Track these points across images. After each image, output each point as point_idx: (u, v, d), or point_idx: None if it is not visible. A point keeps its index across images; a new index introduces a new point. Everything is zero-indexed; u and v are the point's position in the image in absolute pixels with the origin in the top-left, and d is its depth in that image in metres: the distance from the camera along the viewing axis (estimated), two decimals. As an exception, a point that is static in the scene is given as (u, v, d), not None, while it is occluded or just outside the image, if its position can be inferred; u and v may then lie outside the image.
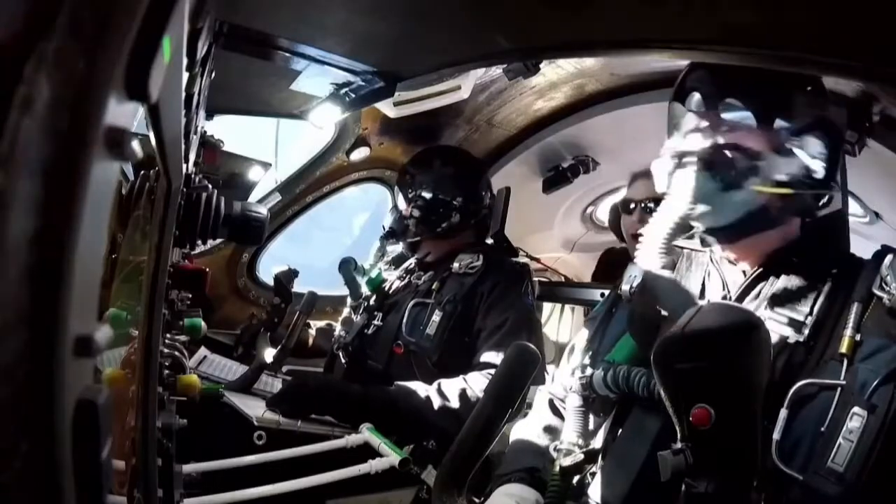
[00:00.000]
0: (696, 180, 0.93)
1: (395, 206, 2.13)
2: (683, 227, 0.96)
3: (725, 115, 0.99)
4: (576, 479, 1.03)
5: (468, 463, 1.00)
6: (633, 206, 2.13)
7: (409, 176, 2.11)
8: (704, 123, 0.98)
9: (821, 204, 1.01)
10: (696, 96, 1.02)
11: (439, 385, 1.68)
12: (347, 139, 2.30)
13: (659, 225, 0.96)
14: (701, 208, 0.94)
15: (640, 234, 1.85)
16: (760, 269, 1.02)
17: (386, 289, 2.14)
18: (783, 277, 0.98)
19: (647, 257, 0.97)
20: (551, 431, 1.21)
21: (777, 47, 0.77)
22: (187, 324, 1.09)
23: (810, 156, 0.97)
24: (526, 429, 1.27)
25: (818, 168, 0.97)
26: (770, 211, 0.98)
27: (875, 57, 0.69)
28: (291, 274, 2.15)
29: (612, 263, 2.67)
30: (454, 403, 1.63)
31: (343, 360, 2.07)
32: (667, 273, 0.98)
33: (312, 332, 2.29)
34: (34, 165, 0.21)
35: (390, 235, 2.13)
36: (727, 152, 0.94)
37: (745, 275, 1.04)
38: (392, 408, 1.64)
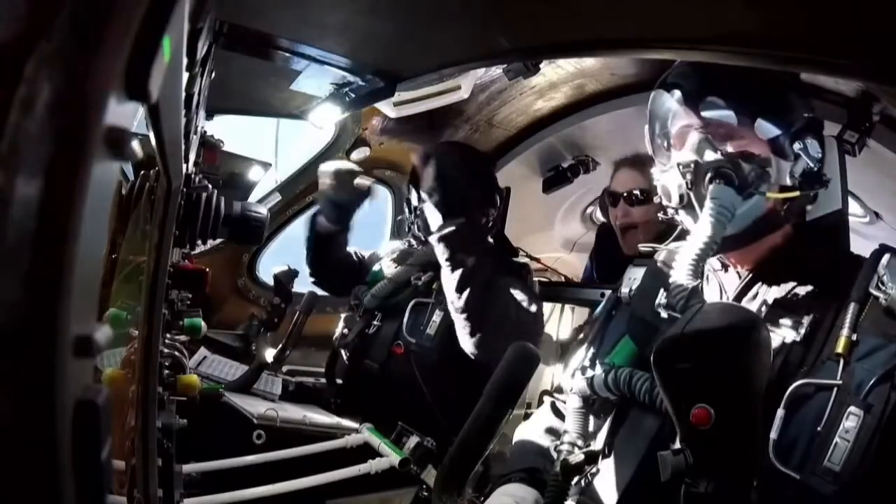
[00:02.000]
0: (719, 195, 0.92)
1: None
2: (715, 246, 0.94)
3: (713, 114, 0.99)
4: (576, 479, 1.03)
5: (468, 463, 1.00)
6: (616, 197, 2.14)
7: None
8: (697, 132, 0.98)
9: (814, 203, 1.02)
10: (708, 98, 1.01)
11: None
12: (347, 139, 2.30)
13: (692, 245, 0.94)
14: (731, 227, 0.94)
15: (630, 226, 1.87)
16: (757, 270, 1.02)
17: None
18: (780, 278, 0.98)
19: (680, 278, 0.95)
20: (553, 433, 1.22)
21: (777, 47, 0.77)
22: (187, 324, 1.09)
23: (810, 157, 0.98)
24: (528, 430, 1.27)
25: (817, 169, 0.98)
26: (775, 216, 0.98)
27: (875, 57, 0.69)
28: (291, 274, 2.15)
29: (608, 233, 2.64)
30: None
31: (345, 359, 2.07)
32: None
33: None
34: (34, 165, 0.21)
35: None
36: (743, 163, 0.94)
37: (740, 277, 1.04)
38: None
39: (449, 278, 1.74)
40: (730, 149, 0.97)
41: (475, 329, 1.74)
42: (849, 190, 1.10)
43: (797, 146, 0.98)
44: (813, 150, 0.99)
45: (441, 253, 1.75)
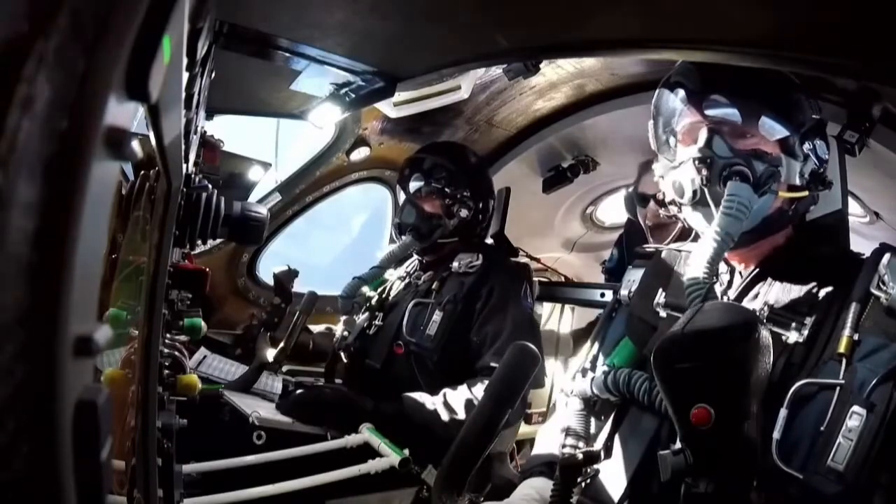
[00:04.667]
0: (737, 191, 0.91)
1: (413, 203, 2.02)
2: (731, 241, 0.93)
3: (719, 113, 0.99)
4: (577, 480, 1.03)
5: (468, 462, 1.00)
6: (646, 198, 2.19)
7: (447, 172, 2.02)
8: (707, 127, 0.98)
9: (816, 203, 1.03)
10: (713, 96, 1.00)
11: (445, 397, 1.69)
12: (347, 139, 2.30)
13: (708, 241, 0.93)
14: (748, 224, 0.93)
15: (659, 225, 1.86)
16: (758, 270, 1.02)
17: (387, 289, 2.14)
18: (782, 278, 0.98)
19: (697, 274, 0.94)
20: None
21: (777, 47, 0.77)
22: (187, 324, 1.09)
23: (818, 157, 0.98)
24: (547, 429, 1.28)
25: (823, 169, 0.99)
26: (781, 215, 0.99)
27: (875, 57, 0.69)
28: (291, 274, 2.15)
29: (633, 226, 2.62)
30: (461, 415, 1.64)
31: (344, 360, 2.07)
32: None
33: (315, 328, 2.29)
34: (34, 165, 0.21)
35: (418, 236, 2.00)
36: (756, 161, 0.95)
37: (741, 276, 1.04)
38: (403, 423, 1.64)
39: None
40: (741, 146, 0.97)
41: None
42: (849, 190, 1.10)
43: (806, 146, 0.98)
44: (821, 151, 0.99)
45: None
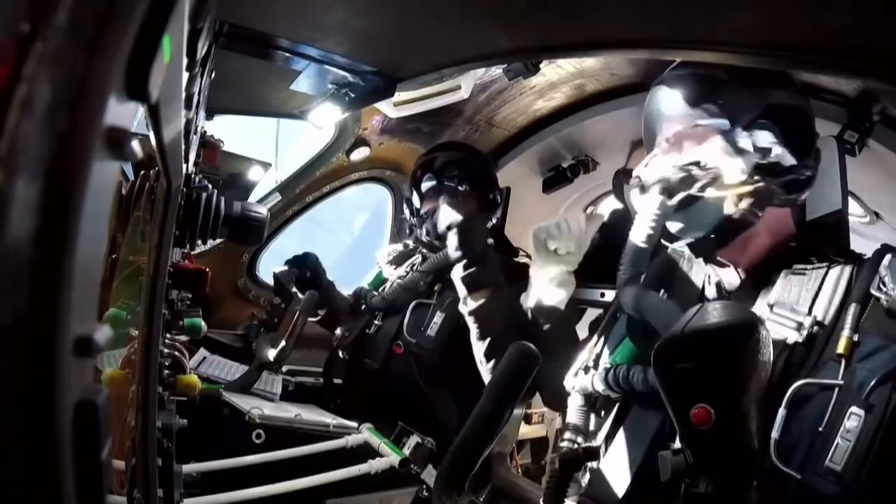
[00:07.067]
0: (657, 205, 1.02)
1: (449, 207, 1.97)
2: (651, 247, 1.05)
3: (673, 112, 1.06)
4: (574, 475, 1.03)
5: (468, 462, 1.00)
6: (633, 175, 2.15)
7: (467, 173, 2.01)
8: (665, 139, 1.06)
9: (798, 188, 1.00)
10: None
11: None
12: (347, 139, 2.30)
13: (629, 245, 1.06)
14: (674, 227, 1.04)
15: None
16: (757, 270, 1.02)
17: (387, 288, 2.13)
18: (781, 278, 0.98)
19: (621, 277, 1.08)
20: None
21: (777, 47, 0.77)
22: (187, 324, 1.09)
23: (762, 147, 0.97)
24: None
25: (775, 157, 0.97)
26: (741, 212, 0.98)
27: (874, 57, 0.69)
28: (291, 274, 2.15)
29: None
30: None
31: (344, 358, 2.07)
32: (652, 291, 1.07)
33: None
34: (34, 165, 0.21)
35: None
36: (681, 172, 0.99)
37: (740, 276, 1.04)
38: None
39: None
40: (680, 160, 1.01)
41: (485, 334, 1.75)
42: (849, 190, 1.10)
43: (744, 140, 0.97)
44: (763, 142, 0.97)
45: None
